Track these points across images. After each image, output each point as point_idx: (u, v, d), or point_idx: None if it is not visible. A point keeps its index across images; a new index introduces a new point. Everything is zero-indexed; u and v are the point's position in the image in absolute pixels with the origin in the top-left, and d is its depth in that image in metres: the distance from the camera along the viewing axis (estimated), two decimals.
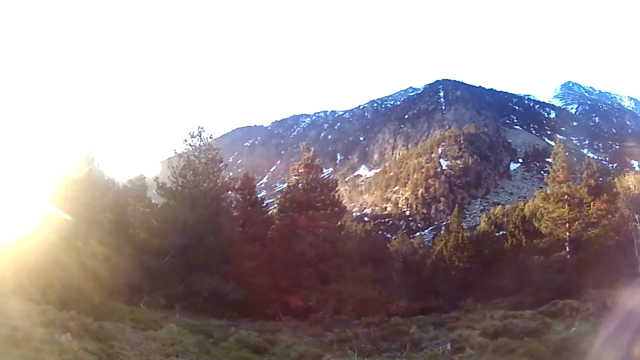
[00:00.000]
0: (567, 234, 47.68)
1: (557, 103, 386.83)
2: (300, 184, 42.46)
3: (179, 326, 18.11)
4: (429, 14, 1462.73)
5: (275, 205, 46.13)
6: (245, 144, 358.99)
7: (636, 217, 47.38)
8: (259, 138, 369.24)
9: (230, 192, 42.35)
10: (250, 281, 34.86)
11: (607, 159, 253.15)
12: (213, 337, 18.97)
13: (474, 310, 39.86)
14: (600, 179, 52.60)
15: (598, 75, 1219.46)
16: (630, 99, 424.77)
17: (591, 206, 48.23)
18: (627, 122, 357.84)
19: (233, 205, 43.03)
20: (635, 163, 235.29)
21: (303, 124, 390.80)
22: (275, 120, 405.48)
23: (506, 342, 16.80)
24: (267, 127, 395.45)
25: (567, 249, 47.29)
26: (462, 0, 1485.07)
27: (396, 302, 43.92)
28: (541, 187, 71.18)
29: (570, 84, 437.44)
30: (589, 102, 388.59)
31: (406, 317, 34.56)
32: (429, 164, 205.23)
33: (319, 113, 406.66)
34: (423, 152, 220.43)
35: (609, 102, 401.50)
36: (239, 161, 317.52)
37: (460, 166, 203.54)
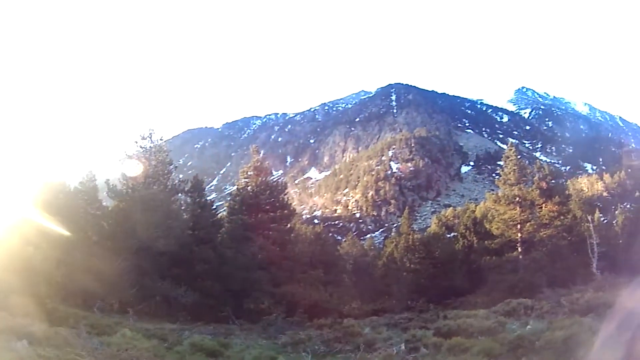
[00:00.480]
0: (519, 235, 48.32)
1: (511, 108, 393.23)
2: (249, 187, 42.64)
3: (133, 331, 17.90)
4: (383, 18, 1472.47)
5: (225, 207, 46.02)
6: (195, 146, 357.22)
7: (589, 218, 48.43)
8: (209, 140, 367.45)
9: (180, 194, 42.02)
10: (201, 284, 34.73)
11: (560, 162, 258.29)
12: (167, 342, 18.76)
13: (427, 311, 40.31)
14: (553, 181, 53.41)
15: (555, 82, 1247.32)
16: (585, 104, 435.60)
17: (543, 208, 48.93)
18: (581, 127, 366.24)
19: (183, 208, 42.72)
20: (588, 166, 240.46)
21: (254, 126, 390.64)
22: (226, 122, 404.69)
23: (460, 342, 16.95)
24: (218, 129, 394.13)
25: (519, 249, 47.95)
26: (416, 5, 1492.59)
27: (348, 303, 44.11)
28: (493, 190, 72.25)
29: (524, 89, 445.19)
30: (542, 107, 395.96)
31: (359, 319, 34.67)
32: (379, 167, 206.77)
33: (269, 115, 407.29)
34: (373, 155, 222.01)
35: (563, 107, 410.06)
36: (190, 163, 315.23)
37: (411, 169, 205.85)
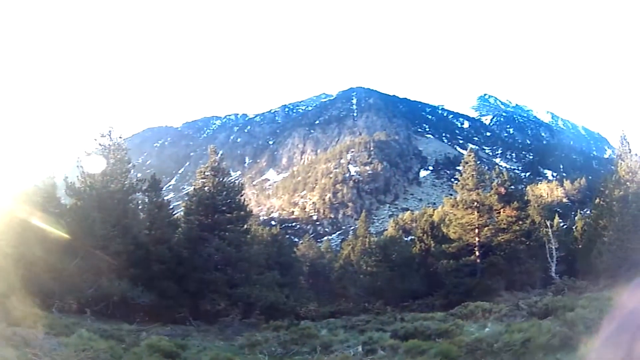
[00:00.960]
0: (477, 239, 48.88)
1: (473, 114, 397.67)
2: (206, 187, 42.41)
3: (90, 331, 17.78)
4: (347, 21, 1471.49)
5: (182, 207, 45.89)
6: (155, 145, 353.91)
7: (548, 223, 49.25)
8: (169, 139, 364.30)
9: (138, 193, 41.73)
10: (158, 285, 34.54)
11: (520, 168, 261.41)
12: (125, 343, 18.60)
13: (384, 313, 40.50)
14: (512, 187, 54.11)
15: (519, 91, 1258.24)
16: (548, 112, 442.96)
17: (501, 213, 49.53)
18: (543, 134, 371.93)
19: (140, 207, 42.44)
20: (548, 173, 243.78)
21: (213, 126, 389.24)
22: (186, 122, 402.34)
23: (418, 344, 17.02)
24: (178, 128, 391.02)
25: (477, 253, 48.48)
26: (382, 10, 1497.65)
27: (305, 305, 44.27)
28: (451, 194, 73.01)
29: (487, 96, 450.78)
30: (504, 114, 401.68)
31: (316, 321, 34.96)
32: (337, 170, 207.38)
33: (229, 116, 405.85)
34: (332, 158, 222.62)
35: (525, 115, 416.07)
36: (149, 162, 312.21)
37: (369, 172, 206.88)
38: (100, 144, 38.59)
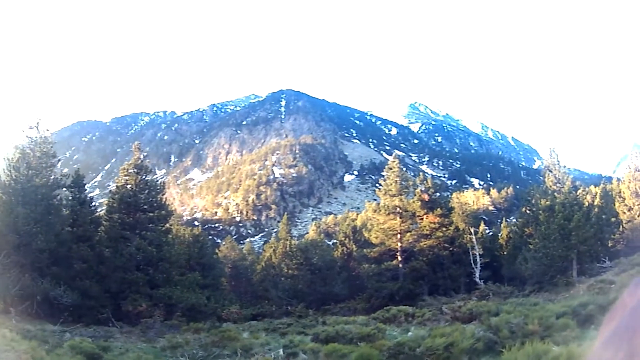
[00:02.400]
0: (399, 244, 49.78)
1: (403, 121, 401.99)
2: (129, 185, 42.10)
3: (13, 332, 17.64)
4: (280, 24, 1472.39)
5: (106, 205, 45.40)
6: (83, 139, 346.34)
7: (472, 230, 50.37)
8: (97, 134, 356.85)
9: (63, 188, 41.03)
10: (81, 284, 34.07)
11: (446, 176, 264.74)
12: (48, 344, 18.53)
13: (306, 316, 40.92)
14: (436, 194, 55.07)
15: (451, 102, 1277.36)
16: (479, 122, 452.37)
17: (424, 219, 50.42)
18: (471, 144, 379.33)
19: (64, 203, 41.74)
20: (475, 181, 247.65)
21: (141, 122, 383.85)
22: (115, 117, 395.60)
23: (339, 347, 17.13)
24: (107, 123, 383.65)
25: (400, 258, 49.39)
26: (315, 15, 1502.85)
27: (227, 307, 44.19)
28: (375, 199, 73.76)
29: (418, 104, 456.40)
30: (433, 123, 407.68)
31: (238, 323, 35.08)
32: (261, 171, 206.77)
33: (158, 112, 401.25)
34: (257, 159, 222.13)
35: (455, 124, 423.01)
36: (76, 157, 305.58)
37: (293, 175, 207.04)
38: (27, 136, 37.92)
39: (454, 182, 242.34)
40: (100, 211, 47.45)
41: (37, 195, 35.73)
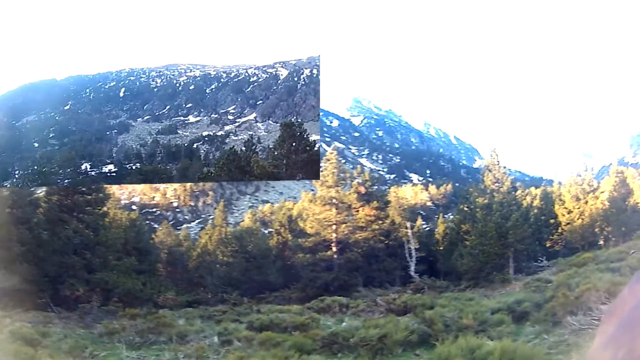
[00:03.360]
0: (334, 235, 50.04)
1: (344, 114, 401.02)
2: None
3: None
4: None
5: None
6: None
7: (408, 224, 51.28)
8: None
9: None
10: (19, 268, 33.66)
11: (385, 170, 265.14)
12: None
13: (241, 304, 41.09)
14: (374, 187, 55.62)
15: (395, 97, 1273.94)
16: (423, 120, 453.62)
17: (360, 211, 51.08)
18: (412, 140, 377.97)
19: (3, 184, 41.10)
20: (414, 177, 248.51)
21: None
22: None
23: (273, 336, 17.72)
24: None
25: (334, 249, 49.63)
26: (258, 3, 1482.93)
27: (163, 293, 44.21)
28: (313, 190, 74.45)
29: (361, 98, 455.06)
30: (375, 117, 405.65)
31: (174, 309, 35.29)
32: None
33: None
34: None
35: (397, 120, 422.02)
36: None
37: None
38: None
39: (392, 176, 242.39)
40: (40, 192, 46.91)
41: None
